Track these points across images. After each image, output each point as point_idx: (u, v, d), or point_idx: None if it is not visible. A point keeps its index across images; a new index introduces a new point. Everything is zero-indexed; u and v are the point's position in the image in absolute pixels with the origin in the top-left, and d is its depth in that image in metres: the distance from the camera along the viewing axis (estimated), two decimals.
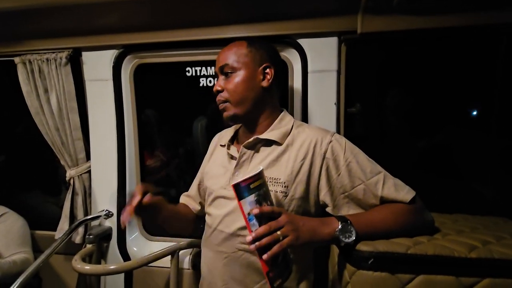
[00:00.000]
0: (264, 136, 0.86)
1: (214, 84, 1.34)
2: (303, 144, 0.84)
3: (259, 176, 0.68)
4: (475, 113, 1.33)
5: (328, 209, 0.83)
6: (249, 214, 0.65)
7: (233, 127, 1.01)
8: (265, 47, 0.89)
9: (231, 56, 0.86)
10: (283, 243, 0.65)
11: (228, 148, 0.93)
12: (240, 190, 0.65)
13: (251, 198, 0.65)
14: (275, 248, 0.65)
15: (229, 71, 0.86)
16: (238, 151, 0.89)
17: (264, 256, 0.65)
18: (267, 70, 0.87)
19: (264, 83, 0.87)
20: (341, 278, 0.75)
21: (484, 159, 1.23)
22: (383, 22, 1.04)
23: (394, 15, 1.03)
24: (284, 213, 0.70)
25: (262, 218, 0.66)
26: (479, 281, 0.64)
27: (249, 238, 0.65)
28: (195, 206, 1.07)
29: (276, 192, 0.81)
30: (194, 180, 1.10)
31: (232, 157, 0.91)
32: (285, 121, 0.90)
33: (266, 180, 0.75)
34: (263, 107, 0.89)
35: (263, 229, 0.65)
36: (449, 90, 1.28)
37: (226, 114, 0.88)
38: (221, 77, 0.88)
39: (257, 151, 0.87)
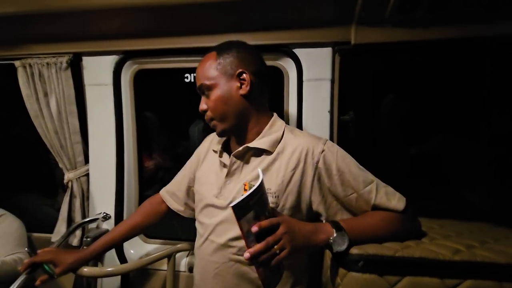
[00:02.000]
0: (253, 144, 0.84)
1: None
2: (294, 152, 0.81)
3: (259, 189, 0.63)
4: (464, 121, 1.37)
5: (322, 218, 0.84)
6: (248, 232, 0.63)
7: None
8: (235, 52, 0.84)
9: (204, 74, 0.84)
10: (279, 258, 0.65)
11: (220, 156, 0.91)
12: (239, 211, 0.61)
13: (250, 215, 0.62)
14: (273, 262, 0.64)
15: (206, 90, 0.85)
16: (229, 159, 0.88)
17: (260, 270, 0.65)
18: (242, 76, 0.83)
19: (242, 91, 0.83)
20: (333, 281, 0.78)
21: (472, 166, 1.28)
22: (376, 34, 1.08)
23: (386, 27, 1.06)
24: (282, 224, 0.67)
25: (260, 233, 0.64)
26: (461, 282, 0.67)
27: (247, 255, 0.63)
28: (177, 207, 1.07)
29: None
30: (181, 179, 1.07)
31: (224, 165, 0.89)
32: (275, 126, 0.87)
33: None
34: (249, 115, 0.86)
35: (260, 246, 0.63)
36: (440, 99, 1.33)
37: (217, 131, 0.89)
38: (203, 97, 0.88)
39: (248, 160, 0.86)
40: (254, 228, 0.63)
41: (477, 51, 1.25)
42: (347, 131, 1.21)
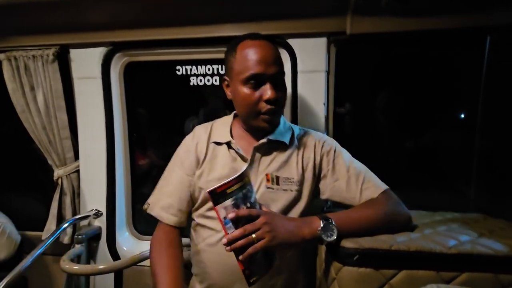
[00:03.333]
0: (274, 137, 0.87)
1: (204, 83, 1.36)
2: (306, 144, 0.90)
3: (240, 178, 0.67)
4: (460, 114, 1.37)
5: (322, 196, 0.90)
6: (224, 218, 0.66)
7: (221, 123, 0.94)
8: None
9: (279, 61, 0.84)
10: (257, 246, 0.66)
11: (232, 147, 0.87)
12: (215, 197, 0.65)
13: (228, 202, 0.66)
14: (249, 250, 0.66)
15: (280, 78, 0.84)
16: (242, 150, 0.86)
17: (240, 257, 0.67)
18: None
19: None
20: (328, 275, 0.77)
21: (467, 158, 1.27)
22: (372, 24, 1.06)
23: (382, 17, 1.05)
24: (262, 215, 0.69)
25: (238, 221, 0.67)
26: (458, 275, 0.67)
27: (224, 240, 0.66)
28: (183, 221, 0.90)
29: (292, 191, 0.85)
30: (176, 192, 0.89)
31: (241, 158, 0.86)
32: (287, 122, 0.95)
33: (250, 180, 0.72)
34: None
35: (237, 232, 0.66)
36: (436, 91, 1.32)
37: (274, 123, 0.86)
38: (270, 86, 0.80)
39: (266, 152, 0.88)
40: (231, 215, 0.66)
41: (474, 41, 1.24)
42: (343, 123, 1.20)
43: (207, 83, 1.34)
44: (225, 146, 0.88)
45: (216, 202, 0.66)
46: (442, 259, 0.68)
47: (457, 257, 0.67)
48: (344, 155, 0.91)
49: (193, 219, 0.91)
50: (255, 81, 0.80)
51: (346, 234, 0.73)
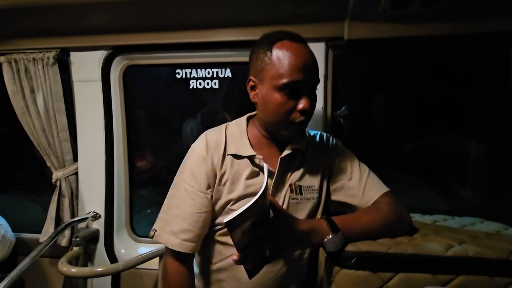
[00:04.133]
0: (297, 146, 0.82)
1: (204, 86, 1.37)
2: (319, 148, 0.88)
3: (260, 200, 0.57)
4: (457, 116, 1.38)
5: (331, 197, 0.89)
6: (239, 240, 0.59)
7: (235, 130, 0.84)
8: None
9: (317, 70, 0.77)
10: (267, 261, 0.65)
11: (256, 161, 0.79)
12: (233, 225, 0.56)
13: (245, 225, 0.58)
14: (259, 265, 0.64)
15: (314, 88, 0.78)
16: (265, 162, 0.74)
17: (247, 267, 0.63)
18: None
19: None
20: (327, 278, 0.77)
21: (463, 162, 1.28)
22: (369, 29, 1.08)
23: (379, 23, 1.06)
24: (274, 224, 0.65)
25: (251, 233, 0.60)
26: (454, 278, 0.67)
27: (234, 258, 0.60)
28: (199, 246, 0.79)
29: (314, 199, 0.83)
30: (189, 213, 0.76)
31: (263, 171, 0.74)
32: None
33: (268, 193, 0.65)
34: None
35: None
36: (433, 95, 1.34)
37: (301, 134, 0.82)
38: (305, 96, 0.74)
39: (290, 161, 0.82)
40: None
41: (470, 47, 1.26)
42: (341, 127, 1.21)
43: (207, 87, 1.35)
44: (246, 160, 0.79)
45: (233, 230, 0.57)
46: (439, 262, 0.68)
47: (453, 260, 0.68)
48: (347, 153, 0.90)
49: (208, 236, 0.81)
50: (293, 88, 0.72)
51: (349, 240, 0.73)
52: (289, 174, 0.82)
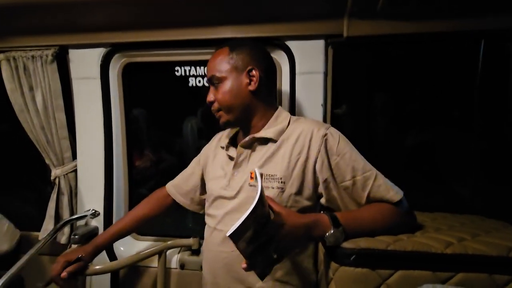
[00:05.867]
0: (259, 134, 0.88)
1: (203, 83, 1.37)
2: (299, 138, 0.84)
3: (254, 211, 0.58)
4: (457, 114, 1.38)
5: (322, 200, 0.86)
6: (244, 248, 0.61)
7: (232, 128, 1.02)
8: (247, 49, 0.90)
9: (216, 66, 0.89)
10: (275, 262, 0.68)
11: (227, 149, 0.95)
12: (236, 236, 0.57)
13: (248, 233, 0.59)
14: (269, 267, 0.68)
15: (216, 82, 0.89)
16: (235, 151, 0.91)
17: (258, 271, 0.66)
18: (252, 73, 0.88)
19: (251, 87, 0.88)
20: (326, 275, 0.77)
21: (463, 160, 1.28)
22: (368, 26, 1.07)
23: (378, 20, 1.06)
24: (279, 226, 0.67)
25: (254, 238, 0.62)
26: (453, 275, 0.67)
27: (244, 266, 0.64)
28: (183, 201, 1.10)
29: (273, 188, 0.82)
30: (188, 175, 1.09)
31: (230, 158, 0.93)
32: (281, 118, 0.91)
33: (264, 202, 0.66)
34: (255, 110, 0.91)
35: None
36: (432, 92, 1.33)
37: (221, 121, 0.92)
38: (212, 88, 0.92)
39: (254, 150, 0.89)
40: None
41: (468, 44, 1.25)
42: (341, 125, 1.20)
43: (206, 84, 1.35)
44: (224, 149, 0.96)
45: (237, 241, 0.59)
46: (438, 259, 0.68)
47: (452, 258, 0.68)
48: (347, 154, 0.81)
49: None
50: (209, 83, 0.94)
51: (351, 236, 0.73)
52: (252, 162, 0.88)
